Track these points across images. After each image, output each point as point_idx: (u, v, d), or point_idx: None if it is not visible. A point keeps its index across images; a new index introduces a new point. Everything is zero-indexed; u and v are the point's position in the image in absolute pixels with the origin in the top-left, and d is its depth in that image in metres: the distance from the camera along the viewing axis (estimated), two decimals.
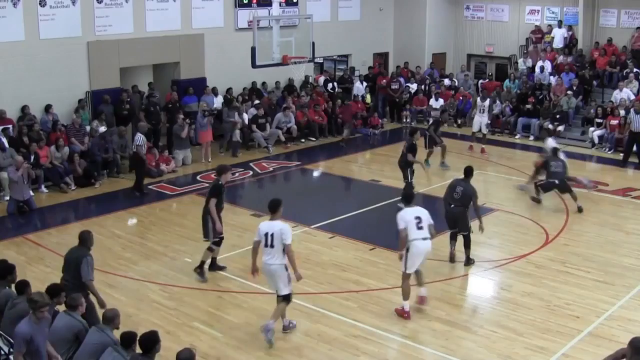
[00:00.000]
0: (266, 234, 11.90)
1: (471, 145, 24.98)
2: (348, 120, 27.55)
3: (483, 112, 24.22)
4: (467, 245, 15.35)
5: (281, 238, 11.82)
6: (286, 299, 12.16)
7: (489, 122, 24.48)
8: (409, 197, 13.67)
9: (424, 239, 12.79)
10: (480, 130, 24.99)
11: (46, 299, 9.22)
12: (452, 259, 15.41)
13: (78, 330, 9.77)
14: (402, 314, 13.01)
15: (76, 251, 11.59)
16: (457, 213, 15.39)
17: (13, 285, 10.93)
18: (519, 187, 20.35)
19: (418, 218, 12.83)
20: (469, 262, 15.32)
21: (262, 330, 12.00)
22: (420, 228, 12.77)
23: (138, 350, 9.09)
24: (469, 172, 15.82)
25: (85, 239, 11.68)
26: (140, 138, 20.37)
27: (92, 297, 11.45)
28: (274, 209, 12.16)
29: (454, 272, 15.06)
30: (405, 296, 12.98)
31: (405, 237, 12.65)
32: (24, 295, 10.24)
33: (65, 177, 20.73)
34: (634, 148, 23.66)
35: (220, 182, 14.42)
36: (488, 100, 24.22)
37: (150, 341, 8.95)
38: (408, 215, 12.83)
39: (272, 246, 11.87)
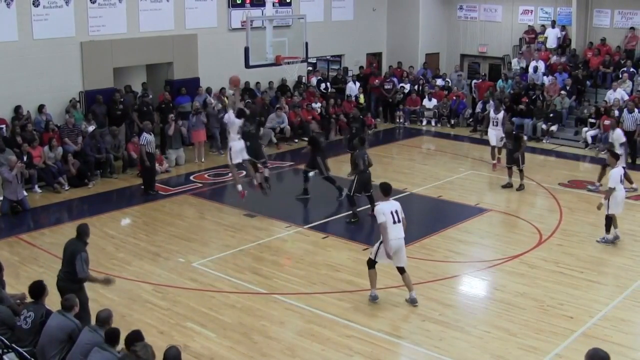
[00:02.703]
0: (391, 212, 13.08)
1: (495, 164, 22.83)
2: None
3: (497, 125, 22.69)
4: (373, 201, 17.78)
5: (402, 213, 13.26)
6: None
7: (503, 135, 22.38)
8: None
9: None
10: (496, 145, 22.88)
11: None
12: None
13: (71, 330, 9.75)
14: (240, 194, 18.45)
15: (72, 245, 11.69)
16: (369, 175, 18.29)
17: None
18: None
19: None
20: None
21: (410, 302, 13.44)
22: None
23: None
24: (364, 141, 19.17)
25: (81, 233, 11.77)
26: (144, 137, 20.34)
27: (89, 292, 11.60)
28: (388, 191, 13.43)
29: (447, 272, 15.07)
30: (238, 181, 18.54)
31: None
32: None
33: (59, 177, 20.71)
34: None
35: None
36: (502, 112, 22.94)
37: (136, 341, 8.92)
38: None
39: (399, 221, 13.12)
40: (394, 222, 13.03)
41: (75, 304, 10.14)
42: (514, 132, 20.94)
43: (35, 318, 10.06)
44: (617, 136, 21.08)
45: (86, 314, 11.21)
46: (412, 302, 13.40)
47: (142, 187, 20.67)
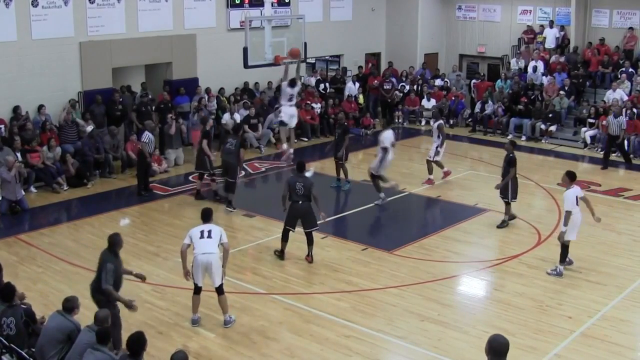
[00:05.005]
0: (201, 231, 12.56)
1: (430, 180, 21.57)
2: None
3: (433, 136, 21.64)
4: (311, 241, 15.82)
5: (224, 238, 12.64)
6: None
7: (435, 149, 21.30)
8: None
9: None
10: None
11: None
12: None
13: (70, 330, 9.77)
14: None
15: (102, 255, 11.44)
16: (304, 207, 15.55)
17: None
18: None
19: None
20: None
21: (224, 324, 12.80)
22: None
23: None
24: (302, 166, 15.94)
25: (111, 243, 11.49)
26: (146, 136, 20.30)
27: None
28: (205, 217, 12.89)
29: (446, 272, 15.08)
30: None
31: None
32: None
33: (58, 177, 20.69)
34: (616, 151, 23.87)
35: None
36: (438, 122, 21.58)
37: (139, 343, 8.90)
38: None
39: (209, 237, 12.50)
40: (201, 237, 12.46)
41: (76, 305, 10.14)
42: (511, 155, 17.83)
43: (17, 322, 10.03)
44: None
45: (115, 328, 10.77)
46: (225, 323, 12.78)
47: (137, 187, 20.60)
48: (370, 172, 19.63)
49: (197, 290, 12.69)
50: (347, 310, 13.32)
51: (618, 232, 17.34)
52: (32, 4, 21.61)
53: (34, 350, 9.94)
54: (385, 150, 19.52)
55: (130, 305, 11.42)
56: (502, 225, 17.79)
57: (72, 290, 12.17)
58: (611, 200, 19.87)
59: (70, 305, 10.04)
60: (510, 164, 17.67)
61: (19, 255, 16.01)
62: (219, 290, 12.64)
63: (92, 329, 9.55)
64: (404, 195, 20.38)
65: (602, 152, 24.79)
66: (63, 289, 13.52)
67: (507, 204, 17.86)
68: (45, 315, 10.61)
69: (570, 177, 14.84)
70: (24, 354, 9.67)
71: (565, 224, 14.57)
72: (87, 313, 11.39)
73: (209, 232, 12.52)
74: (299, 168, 15.84)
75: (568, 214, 14.48)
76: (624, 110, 24.42)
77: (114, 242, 11.48)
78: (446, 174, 21.67)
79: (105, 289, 11.07)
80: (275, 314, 13.20)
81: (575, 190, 14.73)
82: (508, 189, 17.70)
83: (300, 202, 15.45)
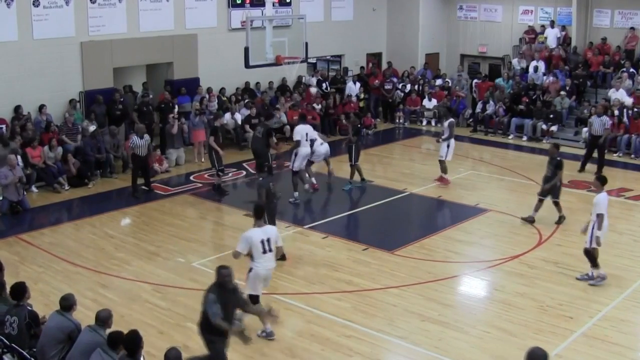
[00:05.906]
0: (262, 241, 11.95)
1: (442, 178, 21.52)
2: None
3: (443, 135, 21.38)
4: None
5: (279, 240, 12.30)
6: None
7: (446, 147, 21.13)
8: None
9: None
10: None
11: None
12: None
13: (70, 330, 9.76)
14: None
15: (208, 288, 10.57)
16: (275, 207, 16.07)
17: None
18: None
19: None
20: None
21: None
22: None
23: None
24: (270, 168, 17.08)
25: (216, 275, 10.53)
26: (132, 140, 20.29)
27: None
28: (260, 214, 12.35)
29: (446, 272, 15.07)
30: None
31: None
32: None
33: (59, 177, 20.70)
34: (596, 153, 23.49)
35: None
36: (447, 122, 21.35)
37: (134, 342, 8.88)
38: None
39: (270, 250, 12.05)
40: (263, 252, 11.93)
41: (74, 302, 10.12)
42: (557, 158, 17.96)
43: (20, 322, 10.01)
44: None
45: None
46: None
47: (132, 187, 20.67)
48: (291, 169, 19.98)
49: (257, 300, 12.12)
50: (347, 310, 13.31)
51: (619, 232, 17.29)
52: (33, 4, 21.62)
53: (35, 350, 9.94)
54: (298, 143, 19.79)
55: (243, 337, 10.70)
56: (560, 220, 17.93)
57: (73, 290, 12.16)
58: (612, 201, 19.67)
59: (67, 304, 10.02)
60: (558, 167, 17.78)
61: (20, 255, 16.01)
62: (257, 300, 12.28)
63: (93, 329, 9.55)
64: (404, 195, 20.37)
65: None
66: (64, 288, 13.48)
67: (557, 203, 17.97)
68: (47, 315, 10.60)
69: (602, 182, 14.72)
70: (25, 353, 9.68)
71: (600, 228, 14.20)
72: (87, 313, 11.46)
73: (268, 241, 11.96)
74: (260, 168, 16.35)
75: (601, 217, 14.17)
76: (625, 110, 24.39)
77: (219, 274, 10.41)
78: (443, 180, 21.36)
79: (214, 324, 10.14)
80: None
81: (607, 196, 14.57)
82: (557, 189, 17.92)
83: (275, 200, 15.92)
